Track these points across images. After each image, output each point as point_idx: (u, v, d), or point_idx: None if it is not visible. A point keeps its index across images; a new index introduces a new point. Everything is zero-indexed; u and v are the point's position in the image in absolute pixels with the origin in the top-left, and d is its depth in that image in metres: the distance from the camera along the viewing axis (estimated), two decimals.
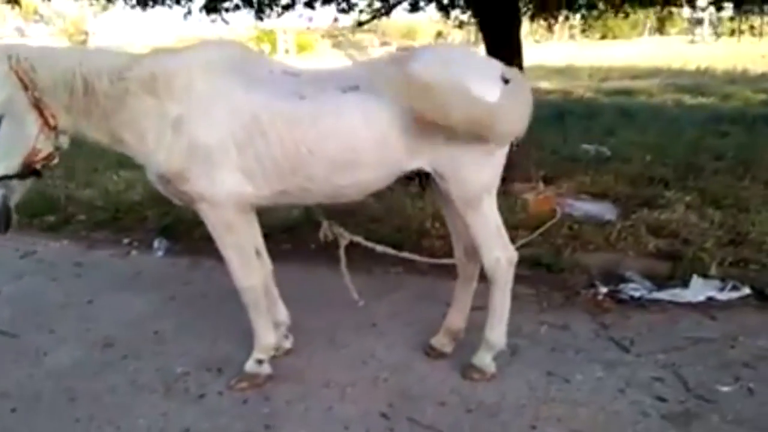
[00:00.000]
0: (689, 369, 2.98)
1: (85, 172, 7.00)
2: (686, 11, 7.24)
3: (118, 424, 2.75)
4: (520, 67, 4.79)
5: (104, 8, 6.97)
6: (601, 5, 6.18)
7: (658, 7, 5.90)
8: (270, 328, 3.01)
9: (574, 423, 2.63)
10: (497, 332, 2.89)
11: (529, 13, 6.39)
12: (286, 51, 37.10)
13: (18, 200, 2.48)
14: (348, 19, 7.13)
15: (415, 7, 6.89)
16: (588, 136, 7.87)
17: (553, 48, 27.02)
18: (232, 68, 2.58)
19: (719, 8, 5.77)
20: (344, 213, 4.28)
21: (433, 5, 7.00)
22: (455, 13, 7.23)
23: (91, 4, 7.50)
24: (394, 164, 2.60)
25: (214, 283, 4.01)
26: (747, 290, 3.68)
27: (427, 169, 2.63)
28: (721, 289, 3.69)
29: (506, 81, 2.56)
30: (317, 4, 6.30)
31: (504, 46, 5.31)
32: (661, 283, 3.83)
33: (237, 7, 6.12)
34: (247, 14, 6.30)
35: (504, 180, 2.87)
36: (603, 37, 32.34)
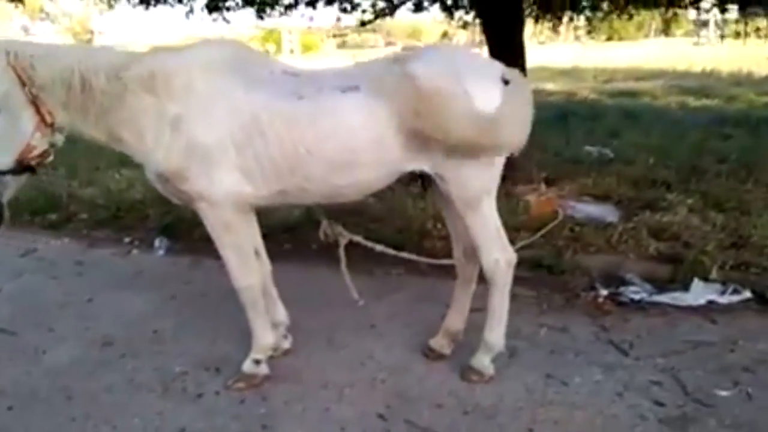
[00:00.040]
0: (688, 373, 2.97)
1: (87, 170, 7.01)
2: (692, 13, 7.23)
3: (114, 423, 2.75)
4: (522, 68, 4.78)
5: (110, 6, 6.97)
6: (605, 6, 6.17)
7: (663, 9, 5.88)
8: (268, 329, 3.01)
9: (571, 426, 2.63)
10: (496, 334, 2.89)
11: (534, 14, 6.38)
12: (291, 51, 37.13)
13: (11, 196, 2.49)
14: (351, 19, 7.14)
15: (418, 8, 6.88)
16: (591, 138, 7.85)
17: (558, 49, 26.95)
18: (232, 68, 2.58)
19: (723, 10, 5.75)
20: (345, 213, 4.28)
21: (437, 5, 6.99)
22: (459, 13, 7.23)
23: (96, 3, 7.53)
24: (392, 165, 2.59)
25: (215, 282, 4.00)
26: (748, 294, 3.66)
27: (427, 170, 2.62)
28: (722, 293, 3.67)
29: (506, 82, 2.55)
30: (320, 4, 6.30)
31: (507, 48, 5.31)
32: (661, 286, 3.81)
33: (238, 5, 6.12)
34: (249, 14, 6.32)
35: (506, 181, 2.86)
36: (609, 38, 32.36)
